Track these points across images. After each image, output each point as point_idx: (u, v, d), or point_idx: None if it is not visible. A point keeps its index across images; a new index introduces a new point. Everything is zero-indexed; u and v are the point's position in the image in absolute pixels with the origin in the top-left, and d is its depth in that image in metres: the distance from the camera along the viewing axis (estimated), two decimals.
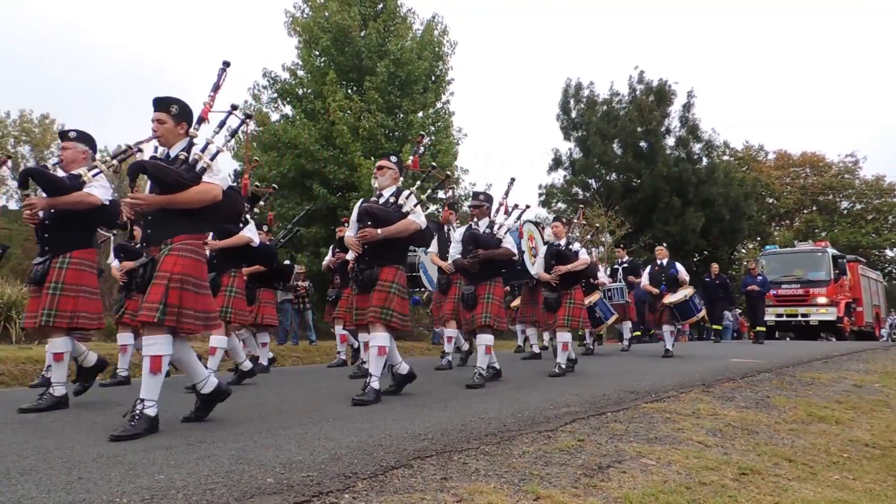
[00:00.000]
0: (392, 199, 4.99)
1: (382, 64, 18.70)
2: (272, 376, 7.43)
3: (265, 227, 8.44)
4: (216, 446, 3.24)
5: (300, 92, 19.95)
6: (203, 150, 3.72)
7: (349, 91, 19.30)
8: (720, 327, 16.61)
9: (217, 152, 3.75)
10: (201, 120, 3.83)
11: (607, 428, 3.87)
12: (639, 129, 30.60)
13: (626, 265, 12.03)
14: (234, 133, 3.96)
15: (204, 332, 3.84)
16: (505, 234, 6.08)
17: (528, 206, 7.58)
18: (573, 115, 32.11)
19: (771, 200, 40.19)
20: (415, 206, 4.98)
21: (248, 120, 4.01)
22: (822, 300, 20.10)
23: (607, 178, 31.20)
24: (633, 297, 11.54)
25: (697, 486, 2.92)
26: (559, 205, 32.77)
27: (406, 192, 5.04)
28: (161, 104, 3.84)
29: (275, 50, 64.20)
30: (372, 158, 18.42)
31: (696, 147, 31.71)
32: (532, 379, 6.55)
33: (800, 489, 3.12)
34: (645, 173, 29.28)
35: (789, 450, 3.86)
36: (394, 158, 5.23)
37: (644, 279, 10.40)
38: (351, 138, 17.97)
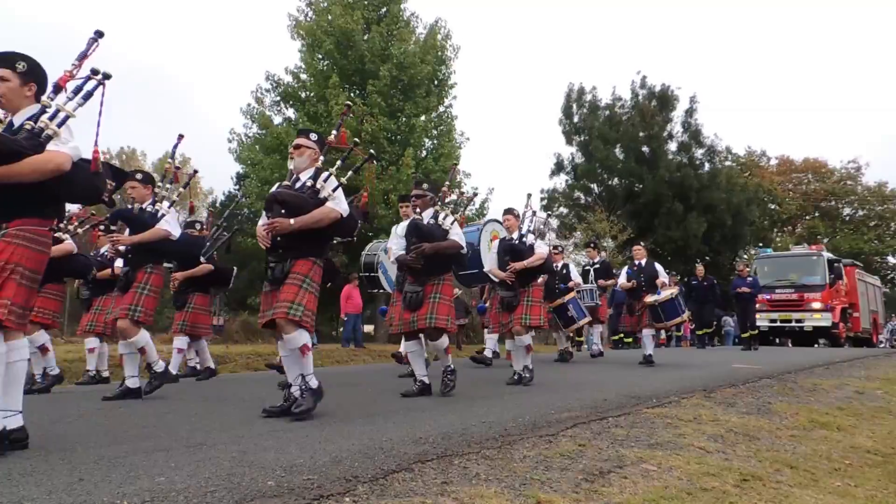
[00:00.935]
0: (309, 184, 4.30)
1: (385, 68, 18.76)
2: (275, 379, 7.41)
3: (198, 225, 7.91)
4: (217, 449, 3.24)
5: (303, 95, 20.03)
6: (52, 118, 3.18)
7: (352, 94, 19.35)
8: (709, 331, 16.21)
9: (66, 118, 3.22)
10: (58, 89, 3.30)
11: (608, 433, 3.86)
12: (641, 134, 30.67)
13: (597, 266, 11.32)
14: (87, 96, 3.38)
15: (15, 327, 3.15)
16: (451, 223, 5.50)
17: (475, 195, 6.92)
18: (575, 119, 32.22)
19: (773, 206, 40.23)
20: (334, 190, 4.29)
21: (105, 81, 3.41)
22: (816, 305, 19.55)
23: (609, 182, 31.26)
24: (605, 299, 11.06)
25: (699, 492, 2.91)
26: (561, 209, 32.81)
27: (325, 175, 4.33)
28: (5, 60, 3.27)
29: (278, 53, 64.44)
30: (374, 162, 18.46)
31: (699, 152, 31.85)
32: (533, 383, 6.53)
33: (801, 496, 3.11)
34: (647, 178, 29.32)
35: (791, 456, 3.85)
36: (314, 136, 4.55)
37: (622, 279, 9.70)
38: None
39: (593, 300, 10.70)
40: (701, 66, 73.49)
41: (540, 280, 6.84)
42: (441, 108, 20.92)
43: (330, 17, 19.51)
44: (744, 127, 70.79)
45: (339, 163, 4.68)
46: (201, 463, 2.93)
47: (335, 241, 7.50)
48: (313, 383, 4.27)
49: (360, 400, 5.35)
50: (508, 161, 67.46)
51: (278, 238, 4.21)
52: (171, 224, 5.43)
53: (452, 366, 5.63)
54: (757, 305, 18.84)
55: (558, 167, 32.57)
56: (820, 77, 74.26)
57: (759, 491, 3.07)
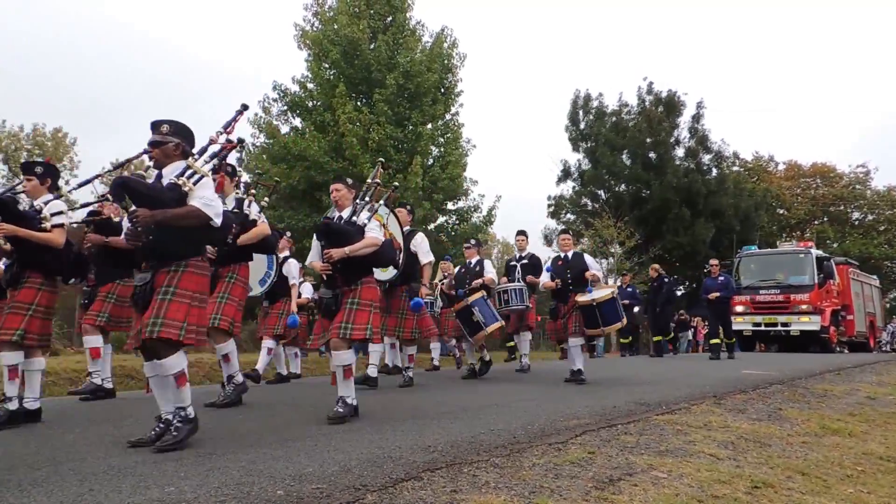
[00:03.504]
0: None
1: (392, 76, 18.83)
2: (281, 387, 7.41)
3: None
4: (226, 458, 3.25)
5: (310, 104, 20.12)
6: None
7: (358, 103, 19.44)
8: (658, 338, 14.20)
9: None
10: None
11: (618, 440, 3.84)
12: (648, 140, 30.63)
13: (525, 261, 9.18)
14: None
15: None
16: (197, 182, 3.63)
17: (241, 143, 4.33)
18: (582, 126, 32.19)
19: (781, 211, 40.03)
20: None
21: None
22: (804, 307, 17.55)
23: (616, 189, 31.20)
24: (534, 301, 9.22)
25: (709, 500, 2.89)
26: (568, 216, 32.77)
27: None
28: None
29: (285, 63, 64.75)
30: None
31: (706, 158, 31.82)
32: (541, 390, 6.52)
33: (813, 503, 3.08)
34: (654, 184, 29.27)
35: (802, 463, 3.82)
36: None
37: (544, 277, 7.93)
38: (360, 150, 18.06)
39: (522, 302, 8.55)
40: (707, 71, 73.42)
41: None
42: (448, 116, 20.98)
43: (336, 27, 19.63)
44: (751, 132, 70.60)
45: None
46: (210, 472, 2.93)
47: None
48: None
49: (369, 408, 5.34)
50: (515, 168, 67.54)
51: None
52: None
53: (193, 413, 3.73)
54: (740, 308, 17.50)
55: (565, 174, 32.54)
56: (827, 81, 74.09)
57: (770, 498, 3.05)
